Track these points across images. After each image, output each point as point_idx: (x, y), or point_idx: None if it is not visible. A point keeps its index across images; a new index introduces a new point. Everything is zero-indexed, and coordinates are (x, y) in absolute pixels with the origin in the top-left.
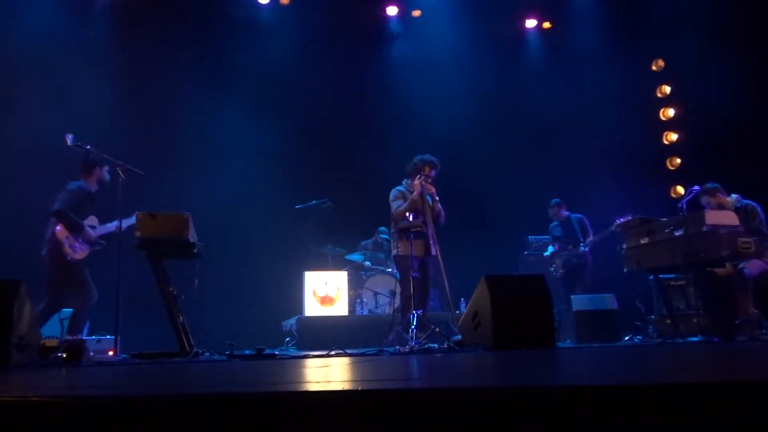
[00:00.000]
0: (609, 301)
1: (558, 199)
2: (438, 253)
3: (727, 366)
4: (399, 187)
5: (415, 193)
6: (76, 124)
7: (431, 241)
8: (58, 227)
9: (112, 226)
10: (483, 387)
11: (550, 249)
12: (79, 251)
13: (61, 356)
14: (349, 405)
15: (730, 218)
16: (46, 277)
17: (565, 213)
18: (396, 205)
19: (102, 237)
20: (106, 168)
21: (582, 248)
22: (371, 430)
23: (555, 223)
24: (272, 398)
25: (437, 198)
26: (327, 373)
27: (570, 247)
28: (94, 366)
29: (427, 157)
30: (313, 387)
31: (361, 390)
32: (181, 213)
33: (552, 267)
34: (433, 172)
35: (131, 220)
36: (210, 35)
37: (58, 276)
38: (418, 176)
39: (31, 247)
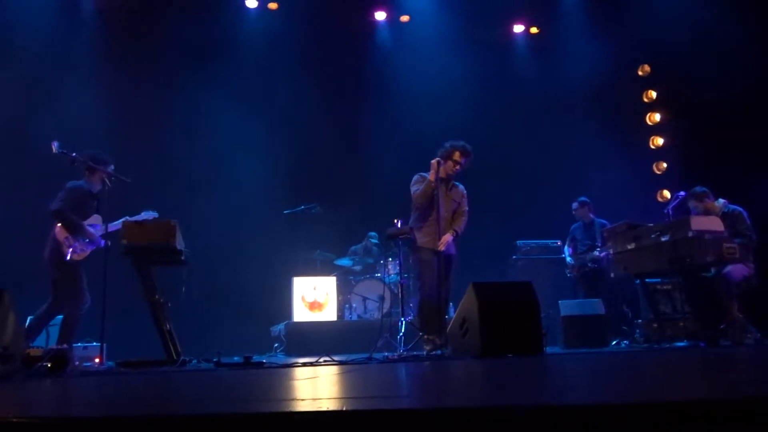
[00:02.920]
0: (596, 306)
1: (586, 198)
2: (444, 250)
3: (716, 382)
4: (422, 173)
5: (431, 174)
6: (62, 131)
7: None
8: (57, 227)
9: (117, 224)
10: (471, 407)
11: (567, 250)
12: (79, 252)
13: (46, 366)
14: (338, 426)
15: (716, 224)
16: (50, 277)
17: (590, 215)
18: (414, 189)
19: (105, 236)
20: (111, 167)
21: (598, 253)
22: None
23: (578, 224)
24: (258, 419)
25: (465, 200)
26: (315, 387)
27: (587, 250)
28: (79, 377)
29: (459, 143)
30: (300, 405)
31: (348, 410)
32: (168, 220)
33: (567, 269)
34: (463, 160)
35: (118, 224)
36: (199, 41)
37: (58, 276)
38: (437, 158)
39: (19, 254)
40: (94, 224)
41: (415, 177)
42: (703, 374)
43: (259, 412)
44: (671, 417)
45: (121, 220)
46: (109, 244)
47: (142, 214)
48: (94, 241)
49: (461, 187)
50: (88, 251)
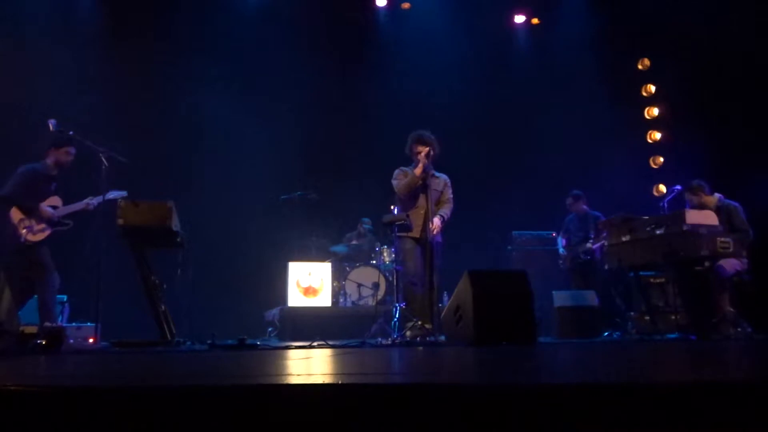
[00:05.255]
0: (590, 297)
1: (579, 192)
2: (431, 239)
3: (702, 367)
4: (403, 167)
5: (418, 168)
6: (59, 109)
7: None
8: (11, 210)
9: (79, 204)
10: (459, 384)
11: (560, 242)
12: (37, 233)
13: (40, 343)
14: (330, 398)
15: (710, 218)
16: (10, 264)
17: (584, 207)
18: (396, 183)
19: (68, 216)
20: (68, 150)
21: (590, 245)
22: (350, 424)
23: (572, 216)
24: (252, 391)
25: (448, 188)
26: (308, 365)
27: (581, 242)
28: (74, 354)
29: (417, 132)
30: (294, 380)
31: (342, 384)
32: (165, 201)
33: (560, 260)
34: (428, 149)
35: (102, 198)
36: (197, 23)
37: (15, 260)
38: (426, 150)
39: None
40: (53, 205)
41: (396, 172)
42: (688, 362)
43: (254, 384)
44: (654, 397)
45: (84, 201)
46: (71, 224)
47: (110, 193)
48: (53, 222)
49: (443, 177)
50: (48, 232)
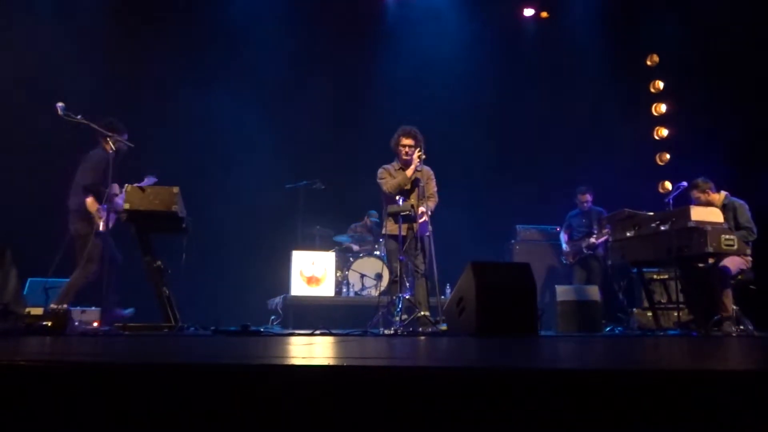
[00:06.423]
0: (592, 292)
1: (586, 186)
2: (428, 234)
3: (701, 358)
4: (386, 165)
5: (410, 170)
6: (65, 94)
7: (420, 223)
8: (88, 199)
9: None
10: (461, 367)
11: (562, 237)
12: (110, 223)
13: (45, 325)
14: (332, 380)
15: (715, 215)
16: (77, 249)
17: (588, 203)
18: (382, 182)
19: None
20: (125, 136)
21: (593, 240)
22: (350, 404)
23: (576, 211)
24: (255, 370)
25: (433, 181)
26: (310, 350)
27: (584, 237)
28: (79, 336)
29: (404, 127)
30: (296, 362)
31: (344, 365)
32: (170, 187)
33: (563, 256)
34: (413, 142)
35: (150, 181)
36: (201, 10)
37: (84, 244)
38: (418, 150)
39: (22, 216)
40: (114, 192)
41: (380, 171)
42: (687, 353)
43: (256, 364)
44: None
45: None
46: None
47: (145, 180)
48: (118, 210)
49: (426, 168)
50: (112, 221)
